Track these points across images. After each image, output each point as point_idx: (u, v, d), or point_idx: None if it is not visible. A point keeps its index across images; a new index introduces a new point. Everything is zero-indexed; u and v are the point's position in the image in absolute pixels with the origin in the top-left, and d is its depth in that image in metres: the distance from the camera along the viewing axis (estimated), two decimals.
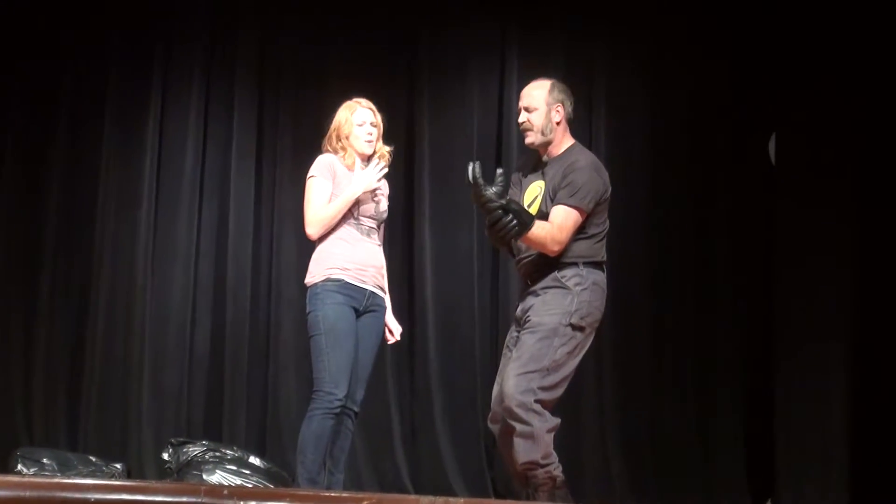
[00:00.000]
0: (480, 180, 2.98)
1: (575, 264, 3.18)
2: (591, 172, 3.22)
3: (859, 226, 4.62)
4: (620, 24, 5.12)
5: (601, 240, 3.26)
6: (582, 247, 3.20)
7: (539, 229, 3.08)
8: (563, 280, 3.17)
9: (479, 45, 5.22)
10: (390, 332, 3.67)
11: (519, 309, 3.30)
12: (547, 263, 3.20)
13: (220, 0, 5.35)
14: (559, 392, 3.16)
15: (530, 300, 3.23)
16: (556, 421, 3.12)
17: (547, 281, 3.19)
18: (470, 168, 2.99)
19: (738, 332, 4.89)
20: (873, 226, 4.58)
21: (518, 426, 3.06)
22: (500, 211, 2.97)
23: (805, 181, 4.72)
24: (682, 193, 5.03)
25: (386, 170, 3.58)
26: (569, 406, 3.28)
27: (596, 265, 3.23)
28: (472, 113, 5.20)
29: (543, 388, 3.09)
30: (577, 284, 3.16)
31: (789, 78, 4.82)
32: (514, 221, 2.98)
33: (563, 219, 3.13)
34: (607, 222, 3.30)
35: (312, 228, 3.50)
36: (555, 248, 3.13)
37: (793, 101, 4.81)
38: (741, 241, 4.94)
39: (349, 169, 3.54)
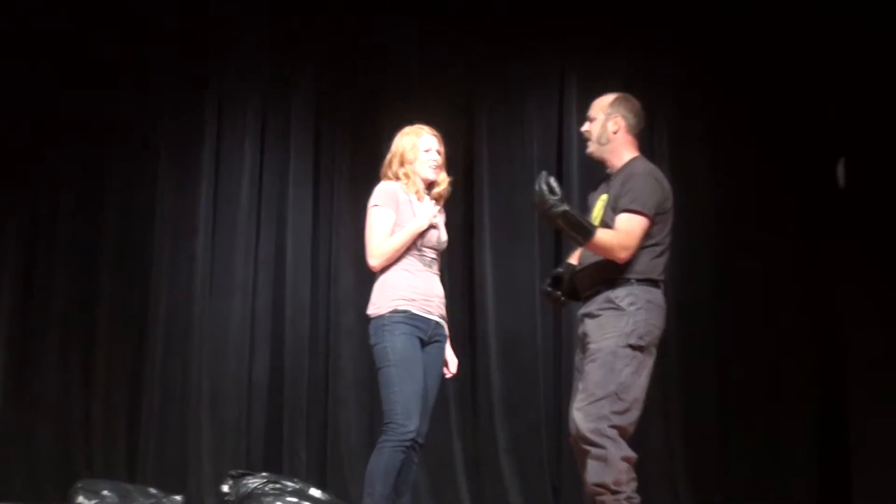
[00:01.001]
0: (547, 187, 3.00)
1: (628, 282, 3.13)
2: (650, 178, 3.20)
3: None
4: (681, 50, 5.07)
5: (659, 255, 3.19)
6: (638, 262, 3.14)
7: (604, 234, 3.08)
8: (617, 301, 3.12)
9: (538, 73, 5.20)
10: (447, 365, 3.59)
11: (579, 331, 3.26)
12: (601, 279, 3.16)
13: (276, 29, 5.35)
14: (632, 417, 3.08)
15: (587, 323, 3.19)
16: (632, 453, 3.04)
17: (600, 302, 3.15)
18: (541, 177, 3.02)
19: (809, 357, 4.78)
20: None
21: (592, 449, 3.02)
22: (561, 218, 3.01)
23: (874, 202, 4.60)
24: (748, 215, 4.95)
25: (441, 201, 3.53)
26: (635, 434, 3.22)
27: (651, 283, 3.16)
28: (531, 142, 5.16)
29: (616, 413, 3.03)
30: (631, 304, 3.11)
31: (857, 99, 4.71)
32: (577, 227, 3.03)
33: (627, 223, 3.11)
34: (669, 238, 3.23)
35: (375, 260, 3.43)
36: (622, 254, 3.09)
37: (861, 123, 4.70)
38: (809, 260, 4.84)
39: (416, 197, 3.47)
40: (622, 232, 3.11)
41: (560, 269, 3.41)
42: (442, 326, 3.50)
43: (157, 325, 5.15)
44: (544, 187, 3.02)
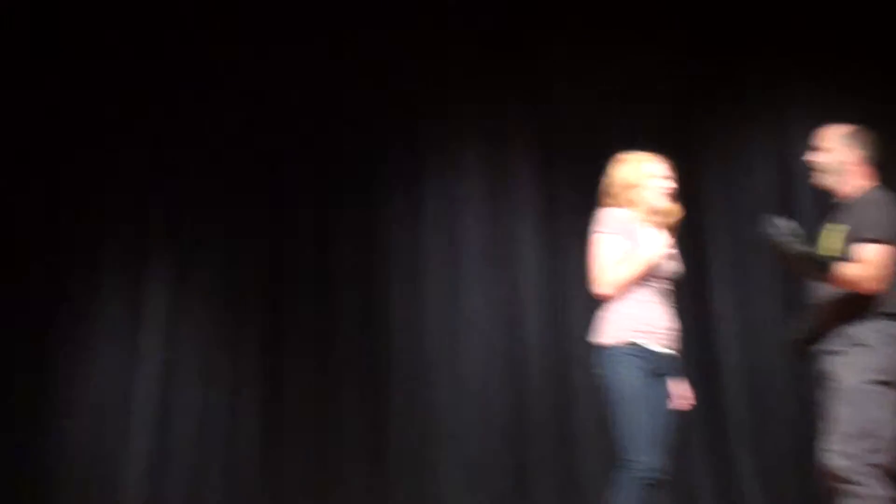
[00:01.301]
0: (775, 230, 3.01)
1: (867, 318, 3.08)
2: (888, 206, 3.16)
3: None
4: None
5: None
6: (880, 295, 3.08)
7: (846, 268, 3.05)
8: (859, 338, 3.08)
9: (761, 102, 5.18)
10: (682, 397, 3.53)
11: (819, 368, 3.21)
12: (842, 315, 3.12)
13: (489, 61, 5.47)
14: (886, 457, 3.02)
15: (828, 361, 3.15)
16: (887, 493, 2.99)
17: (841, 340, 3.12)
18: (766, 221, 3.04)
19: None
20: None
21: (848, 487, 3.00)
22: (796, 258, 3.02)
23: None
24: None
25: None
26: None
27: (892, 317, 3.09)
28: (755, 171, 5.17)
29: (870, 452, 3.00)
30: (876, 340, 3.06)
31: None
32: (813, 263, 3.04)
33: (868, 253, 3.07)
34: None
35: (606, 288, 3.38)
36: (872, 284, 3.05)
37: None
38: None
39: (641, 224, 3.42)
40: (864, 262, 3.08)
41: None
42: (673, 359, 3.45)
43: (391, 370, 5.31)
44: (772, 230, 3.04)
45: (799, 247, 3.01)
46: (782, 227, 3.03)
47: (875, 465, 3.01)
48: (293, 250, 5.51)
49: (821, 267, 3.05)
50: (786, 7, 5.17)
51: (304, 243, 5.52)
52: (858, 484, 2.98)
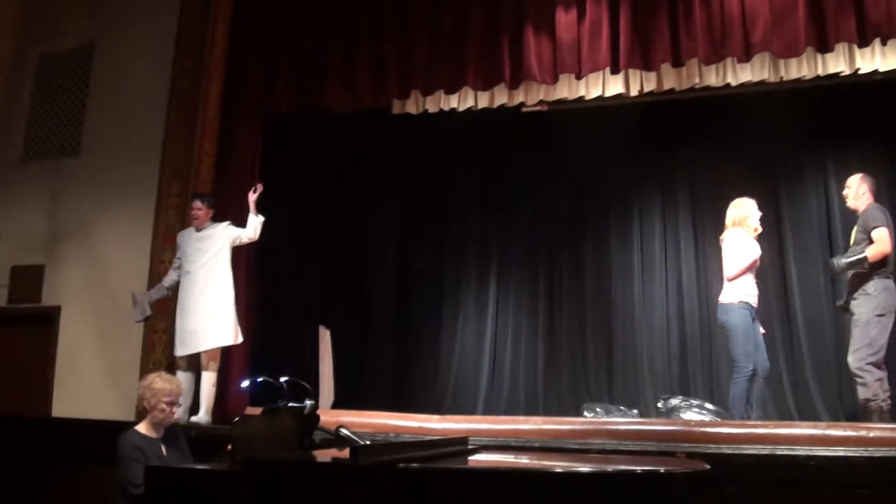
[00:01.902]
0: (833, 265, 7.06)
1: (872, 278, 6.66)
2: (879, 210, 6.79)
3: None
4: None
5: None
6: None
7: (872, 250, 6.56)
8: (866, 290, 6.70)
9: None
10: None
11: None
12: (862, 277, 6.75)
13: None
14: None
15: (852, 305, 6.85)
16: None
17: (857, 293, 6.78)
18: (830, 265, 7.27)
19: None
20: None
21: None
22: (846, 269, 6.88)
23: None
24: None
25: None
26: None
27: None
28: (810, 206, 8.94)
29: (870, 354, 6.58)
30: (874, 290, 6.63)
31: None
32: (857, 263, 6.74)
33: (881, 234, 6.60)
34: None
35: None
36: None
37: None
38: None
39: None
40: (881, 241, 6.59)
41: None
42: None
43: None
44: (834, 264, 6.85)
45: (842, 265, 6.74)
46: (834, 264, 6.79)
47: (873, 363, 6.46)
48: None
49: (862, 262, 6.54)
50: None
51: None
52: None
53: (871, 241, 6.63)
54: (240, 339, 7.38)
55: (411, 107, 8.56)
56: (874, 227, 6.62)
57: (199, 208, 7.48)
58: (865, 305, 6.59)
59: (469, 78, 7.72)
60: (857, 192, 6.95)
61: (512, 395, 9.25)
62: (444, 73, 7.81)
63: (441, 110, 8.48)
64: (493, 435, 6.17)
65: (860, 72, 7.48)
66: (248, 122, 8.36)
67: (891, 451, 5.41)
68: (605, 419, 7.52)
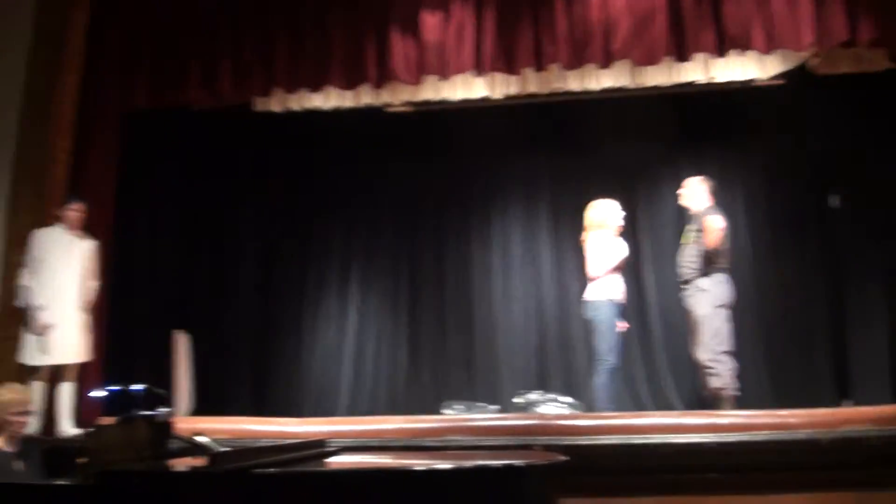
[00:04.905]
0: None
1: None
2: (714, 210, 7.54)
3: None
4: None
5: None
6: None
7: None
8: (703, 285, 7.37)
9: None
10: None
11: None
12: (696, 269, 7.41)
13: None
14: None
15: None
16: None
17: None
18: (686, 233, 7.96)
19: None
20: None
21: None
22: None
23: None
24: None
25: None
26: None
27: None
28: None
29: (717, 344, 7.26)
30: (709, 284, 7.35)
31: None
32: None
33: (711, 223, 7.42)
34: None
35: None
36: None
37: None
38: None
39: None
40: (710, 230, 7.14)
41: None
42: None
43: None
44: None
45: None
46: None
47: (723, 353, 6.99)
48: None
49: None
50: None
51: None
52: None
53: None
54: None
55: (275, 104, 8.48)
56: (706, 216, 7.14)
57: (79, 210, 7.20)
58: (702, 300, 7.03)
59: (333, 77, 7.71)
60: (695, 191, 7.41)
61: (374, 395, 9.30)
62: (307, 71, 7.77)
63: (305, 109, 8.40)
64: (354, 436, 6.20)
65: (714, 80, 8.00)
66: (106, 119, 8.10)
67: (741, 436, 5.70)
68: (464, 416, 7.67)
